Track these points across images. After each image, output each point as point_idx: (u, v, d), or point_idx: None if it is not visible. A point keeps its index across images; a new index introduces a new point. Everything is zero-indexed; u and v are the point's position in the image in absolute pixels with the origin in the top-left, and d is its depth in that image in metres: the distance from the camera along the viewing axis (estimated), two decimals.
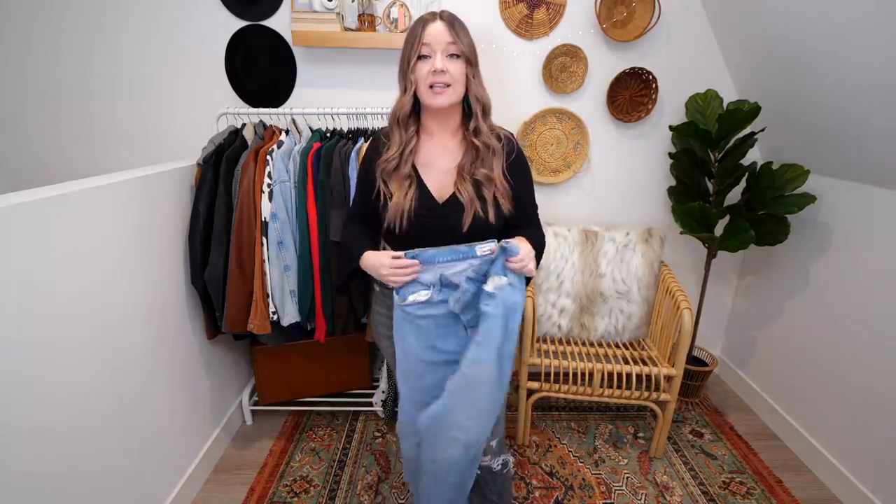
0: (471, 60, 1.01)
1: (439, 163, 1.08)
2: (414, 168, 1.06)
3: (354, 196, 1.22)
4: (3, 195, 0.99)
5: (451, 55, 0.99)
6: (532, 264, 0.99)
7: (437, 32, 0.98)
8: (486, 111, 1.06)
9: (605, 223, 2.01)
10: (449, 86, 0.99)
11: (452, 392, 1.01)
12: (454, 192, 1.04)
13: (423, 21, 0.99)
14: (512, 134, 1.12)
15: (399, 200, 1.02)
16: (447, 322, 1.03)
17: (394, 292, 1.03)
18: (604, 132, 2.01)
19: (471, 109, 1.05)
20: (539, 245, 1.10)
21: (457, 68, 0.99)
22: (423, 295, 1.01)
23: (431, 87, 0.99)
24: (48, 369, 1.02)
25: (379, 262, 1.01)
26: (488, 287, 0.97)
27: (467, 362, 0.99)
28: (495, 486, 1.17)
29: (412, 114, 1.06)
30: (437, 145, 1.09)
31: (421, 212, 1.03)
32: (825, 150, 1.64)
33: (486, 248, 1.00)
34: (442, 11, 1.01)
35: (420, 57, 0.99)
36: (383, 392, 1.78)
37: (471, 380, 1.01)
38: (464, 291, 1.00)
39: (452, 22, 1.00)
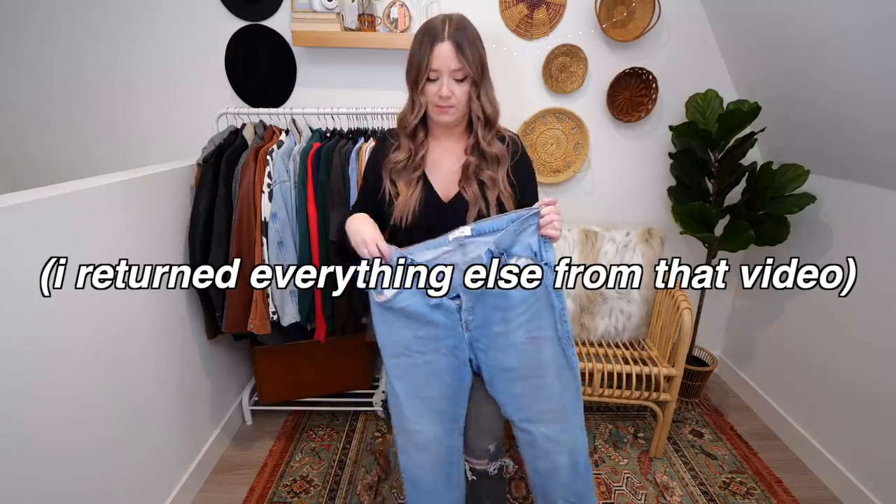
0: (476, 81, 1.02)
1: (446, 163, 1.11)
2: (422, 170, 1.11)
3: (358, 194, 1.25)
4: (3, 195, 0.99)
5: (457, 79, 1.01)
6: (558, 223, 0.99)
7: (444, 57, 0.97)
8: (489, 124, 1.07)
9: (605, 223, 2.00)
10: (453, 106, 1.02)
11: (510, 370, 1.01)
12: (459, 192, 1.08)
13: (432, 39, 0.97)
14: (517, 135, 1.15)
15: (406, 199, 1.07)
16: (432, 309, 1.01)
17: (370, 291, 1.01)
18: (604, 132, 2.01)
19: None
20: None
21: (461, 90, 1.02)
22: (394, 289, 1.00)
23: (438, 106, 1.02)
24: (48, 369, 1.02)
25: (363, 226, 1.00)
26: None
27: (519, 339, 0.99)
28: (490, 491, 1.17)
29: (420, 122, 1.09)
30: (445, 147, 1.12)
31: (427, 210, 1.07)
32: (825, 150, 1.64)
33: (457, 232, 0.99)
34: (450, 22, 0.98)
35: (429, 79, 1.01)
36: (384, 392, 1.78)
37: (529, 359, 1.01)
38: (437, 272, 0.99)
39: (461, 43, 0.97)
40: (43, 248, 1.00)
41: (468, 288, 1.00)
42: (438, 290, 1.00)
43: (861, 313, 1.56)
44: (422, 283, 1.00)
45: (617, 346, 1.93)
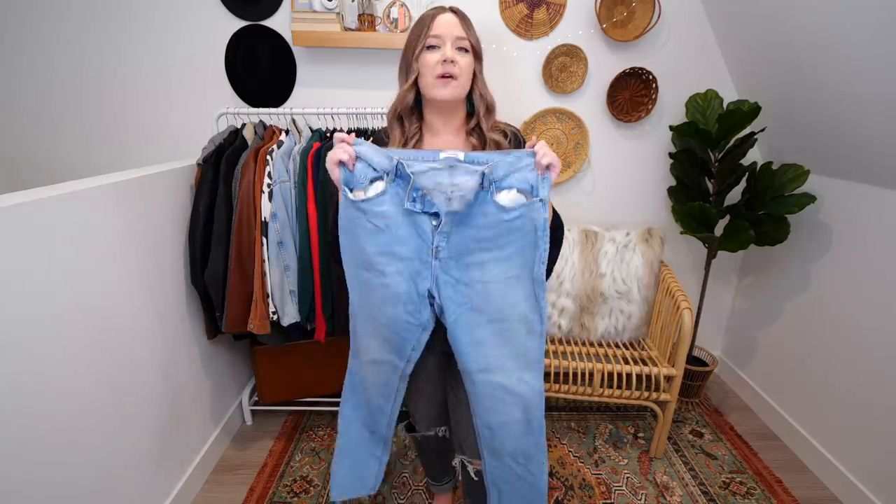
0: (479, 55, 1.00)
1: None
2: None
3: None
4: (3, 195, 0.99)
5: (461, 48, 0.97)
6: (553, 153, 0.92)
7: (447, 24, 0.96)
8: (490, 110, 1.04)
9: (605, 223, 2.01)
10: (456, 77, 0.96)
11: (478, 311, 0.94)
12: None
13: (432, 12, 0.98)
14: (517, 129, 1.10)
15: None
16: (405, 223, 0.94)
17: (343, 187, 0.93)
18: (604, 132, 2.01)
19: (474, 107, 1.04)
20: (559, 224, 1.09)
21: (465, 61, 0.97)
22: (379, 185, 0.92)
23: (439, 77, 0.96)
24: (47, 370, 1.02)
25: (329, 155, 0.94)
26: (502, 200, 0.92)
27: (493, 277, 0.93)
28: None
29: (414, 109, 1.04)
30: (443, 144, 1.07)
31: None
32: (825, 150, 1.64)
33: (450, 152, 0.92)
34: (451, 6, 1.00)
35: (428, 48, 0.96)
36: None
37: (499, 301, 0.94)
38: (431, 183, 0.92)
39: (463, 16, 0.99)
40: (43, 248, 1.00)
41: (451, 208, 0.93)
42: (416, 201, 0.93)
43: (861, 313, 1.56)
44: (404, 191, 0.94)
45: (617, 346, 1.93)
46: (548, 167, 0.93)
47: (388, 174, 0.93)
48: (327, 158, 0.94)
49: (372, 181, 0.93)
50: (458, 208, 0.92)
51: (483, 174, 0.90)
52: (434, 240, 0.94)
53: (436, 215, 0.93)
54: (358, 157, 0.93)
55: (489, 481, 1.06)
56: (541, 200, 0.93)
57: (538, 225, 0.93)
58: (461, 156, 0.92)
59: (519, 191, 0.92)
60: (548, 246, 0.96)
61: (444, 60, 0.95)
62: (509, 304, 0.95)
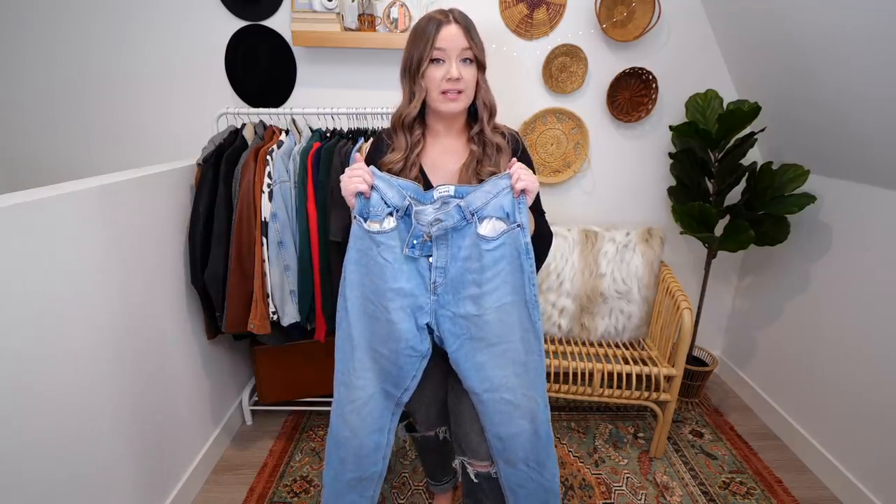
0: (482, 64, 1.00)
1: (446, 164, 1.07)
2: (420, 169, 1.06)
3: None
4: (3, 195, 0.99)
5: (465, 59, 0.97)
6: (528, 177, 0.95)
7: (452, 36, 0.95)
8: (492, 115, 1.05)
9: (605, 223, 2.01)
10: (461, 92, 0.98)
11: (478, 339, 0.98)
12: None
13: (437, 22, 0.95)
14: (516, 132, 1.12)
15: None
16: (407, 260, 0.98)
17: (359, 218, 0.96)
18: (604, 132, 2.01)
19: (476, 112, 1.05)
20: (548, 235, 1.11)
21: (470, 74, 0.98)
22: (391, 221, 0.96)
23: (444, 92, 0.97)
24: (46, 370, 1.02)
25: (345, 178, 0.97)
26: (483, 230, 0.95)
27: (487, 307, 0.96)
28: (490, 493, 1.17)
29: (417, 115, 1.05)
30: (444, 147, 1.08)
31: None
32: (825, 150, 1.64)
33: (442, 189, 0.97)
34: (452, 10, 0.98)
35: (433, 61, 0.96)
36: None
37: (496, 327, 0.97)
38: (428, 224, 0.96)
39: (467, 25, 0.97)
40: (43, 248, 1.00)
41: (438, 234, 0.97)
42: (415, 247, 0.98)
43: (861, 313, 1.56)
44: (411, 230, 0.98)
45: (617, 346, 1.93)
46: (523, 191, 0.95)
47: (397, 211, 0.97)
48: (343, 186, 0.97)
49: (386, 215, 0.97)
50: (444, 231, 0.96)
51: (459, 207, 0.95)
52: (432, 275, 0.99)
53: (431, 255, 0.98)
54: (373, 188, 0.96)
55: (505, 486, 1.10)
56: (519, 226, 0.96)
57: (521, 250, 0.97)
58: (451, 190, 0.97)
59: (497, 219, 0.96)
60: (534, 267, 0.99)
61: (450, 78, 0.95)
62: (506, 328, 0.99)
